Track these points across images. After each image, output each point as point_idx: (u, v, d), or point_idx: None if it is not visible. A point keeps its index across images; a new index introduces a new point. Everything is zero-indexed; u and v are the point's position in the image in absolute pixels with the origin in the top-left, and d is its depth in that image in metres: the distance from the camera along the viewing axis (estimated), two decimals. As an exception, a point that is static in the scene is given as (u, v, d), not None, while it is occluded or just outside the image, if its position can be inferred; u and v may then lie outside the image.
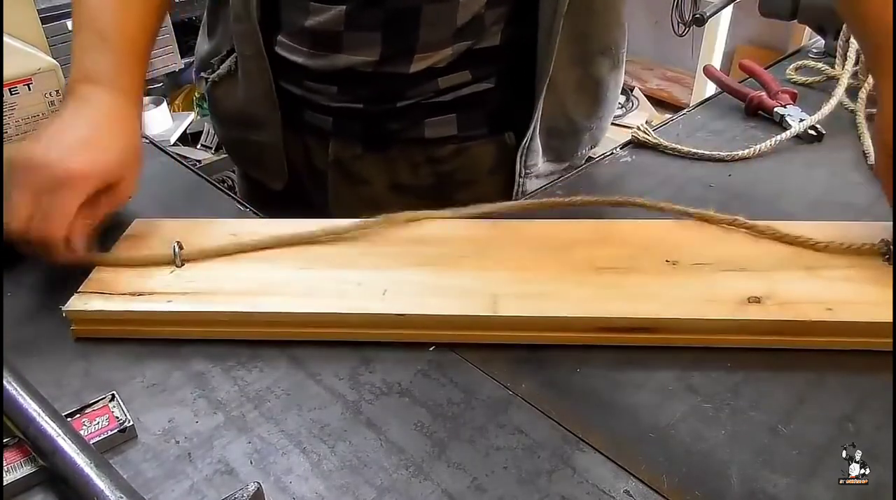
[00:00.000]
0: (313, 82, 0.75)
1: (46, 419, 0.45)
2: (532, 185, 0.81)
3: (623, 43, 0.80)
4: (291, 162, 0.82)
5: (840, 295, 0.54)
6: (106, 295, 0.56)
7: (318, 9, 0.71)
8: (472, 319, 0.54)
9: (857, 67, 0.89)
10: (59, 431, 0.44)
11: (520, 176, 0.80)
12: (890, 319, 0.52)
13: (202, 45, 0.86)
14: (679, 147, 0.81)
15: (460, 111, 0.76)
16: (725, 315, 0.53)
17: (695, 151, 0.79)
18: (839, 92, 0.85)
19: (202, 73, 0.84)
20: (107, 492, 0.41)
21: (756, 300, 0.54)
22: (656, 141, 0.81)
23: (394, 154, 0.79)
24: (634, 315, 0.53)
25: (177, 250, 0.59)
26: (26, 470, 0.44)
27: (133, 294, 0.56)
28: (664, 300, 0.54)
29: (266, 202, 0.81)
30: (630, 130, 0.85)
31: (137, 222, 0.65)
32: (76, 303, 0.55)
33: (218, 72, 0.81)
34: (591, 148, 0.86)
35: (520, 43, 0.73)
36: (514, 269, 0.58)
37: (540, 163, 0.80)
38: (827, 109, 0.83)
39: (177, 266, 0.59)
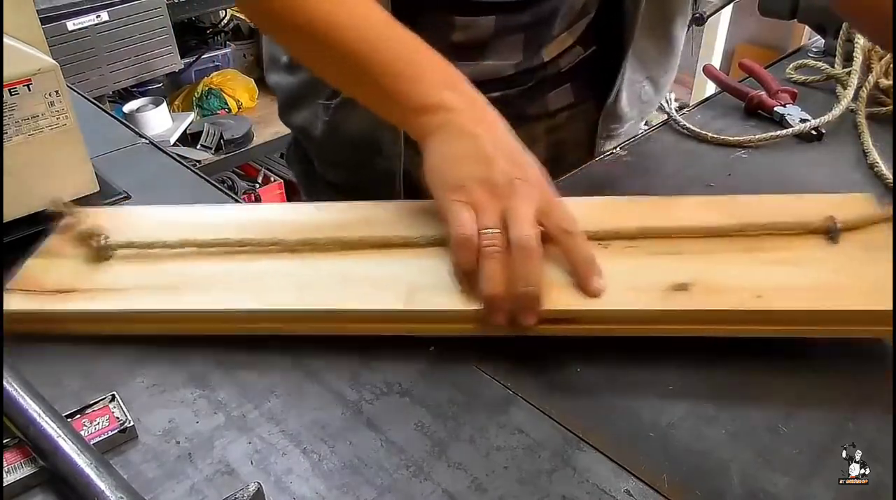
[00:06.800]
0: None
1: (47, 419, 0.45)
2: (607, 146, 0.86)
3: None
4: (408, 178, 0.80)
5: (774, 280, 0.51)
6: (30, 293, 0.55)
7: (465, 23, 0.71)
8: (386, 313, 0.53)
9: (855, 67, 0.88)
10: (60, 431, 0.44)
11: (600, 137, 0.85)
12: (824, 306, 0.50)
13: (284, 78, 0.84)
14: (690, 126, 0.83)
15: (574, 80, 0.82)
16: (646, 306, 0.51)
17: (702, 131, 0.82)
18: (849, 94, 0.85)
19: (320, 100, 0.81)
20: (107, 492, 0.41)
21: (682, 288, 0.51)
22: (674, 116, 0.85)
23: (518, 133, 0.80)
24: (552, 307, 0.51)
25: (102, 242, 0.57)
26: (27, 471, 0.44)
27: (59, 291, 0.55)
28: None
29: None
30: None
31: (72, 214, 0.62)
32: None
33: (342, 96, 0.78)
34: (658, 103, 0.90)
35: (611, 9, 0.78)
36: (431, 256, 0.55)
37: (624, 127, 0.85)
38: (837, 111, 0.82)
39: (103, 260, 0.58)
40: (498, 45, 0.74)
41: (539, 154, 0.84)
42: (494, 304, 0.50)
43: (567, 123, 0.86)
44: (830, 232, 0.55)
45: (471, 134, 0.55)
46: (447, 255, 0.54)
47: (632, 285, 0.52)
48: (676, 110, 0.86)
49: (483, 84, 0.76)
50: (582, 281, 0.52)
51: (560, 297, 0.51)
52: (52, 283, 0.56)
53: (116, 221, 0.61)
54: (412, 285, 0.54)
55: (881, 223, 0.56)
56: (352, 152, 0.83)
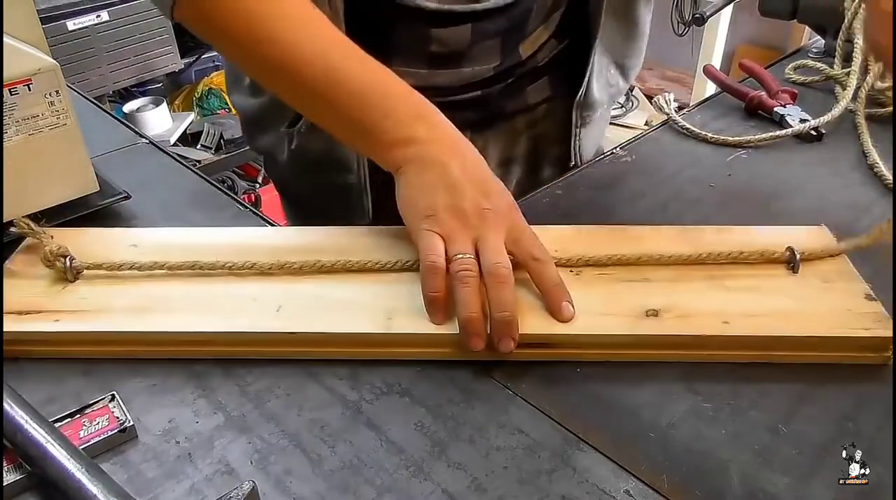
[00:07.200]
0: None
1: (34, 425, 0.44)
2: (583, 135, 0.87)
3: None
4: (377, 195, 0.79)
5: (739, 307, 0.53)
6: None
7: (440, 35, 0.71)
8: (365, 336, 0.52)
9: (854, 68, 0.89)
10: (49, 437, 0.43)
11: (575, 126, 0.84)
12: (788, 332, 0.52)
13: (246, 100, 0.83)
14: (690, 126, 0.83)
15: (550, 73, 0.82)
16: (619, 330, 0.52)
17: (701, 132, 0.82)
18: (848, 94, 0.85)
19: (283, 128, 0.79)
20: (100, 496, 0.41)
21: (654, 313, 0.53)
22: (674, 116, 0.85)
23: (499, 129, 0.83)
24: (528, 331, 0.51)
25: (68, 263, 0.56)
26: (12, 477, 0.44)
27: (21, 313, 0.53)
28: None
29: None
30: (630, 130, 0.85)
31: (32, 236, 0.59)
32: None
33: (304, 121, 0.77)
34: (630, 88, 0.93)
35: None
36: (408, 281, 0.55)
37: (597, 112, 0.85)
38: (837, 111, 0.83)
39: (69, 281, 0.56)
40: (475, 52, 0.74)
41: (520, 149, 0.86)
42: (471, 329, 0.50)
43: (545, 116, 0.86)
44: (791, 262, 0.57)
45: (441, 163, 0.56)
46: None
47: (604, 310, 0.53)
48: (676, 110, 0.86)
49: (463, 87, 0.76)
50: (553, 307, 0.53)
51: (534, 322, 0.52)
52: (15, 303, 0.54)
53: (84, 242, 0.60)
54: (389, 309, 0.54)
55: (836, 255, 0.58)
56: (317, 171, 0.81)
